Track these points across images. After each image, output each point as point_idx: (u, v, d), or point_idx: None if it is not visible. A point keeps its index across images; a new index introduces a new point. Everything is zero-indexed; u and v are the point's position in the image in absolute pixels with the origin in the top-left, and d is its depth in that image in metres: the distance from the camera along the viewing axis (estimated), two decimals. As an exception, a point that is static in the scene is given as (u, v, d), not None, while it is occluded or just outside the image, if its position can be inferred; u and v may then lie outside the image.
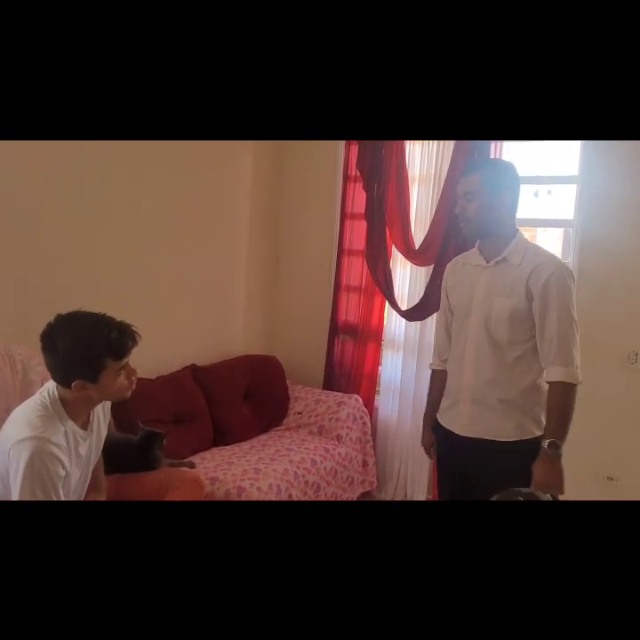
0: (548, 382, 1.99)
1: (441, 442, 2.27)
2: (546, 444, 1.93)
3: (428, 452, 2.37)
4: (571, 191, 3.24)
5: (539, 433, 2.01)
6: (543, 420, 2.02)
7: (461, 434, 2.11)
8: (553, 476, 1.92)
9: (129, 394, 1.88)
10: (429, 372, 3.49)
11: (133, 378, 1.86)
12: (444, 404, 2.24)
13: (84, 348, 1.72)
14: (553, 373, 1.96)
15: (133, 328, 1.81)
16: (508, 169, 2.07)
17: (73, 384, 1.75)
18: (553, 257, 2.05)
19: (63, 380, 1.77)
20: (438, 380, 2.34)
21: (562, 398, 1.95)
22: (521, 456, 1.97)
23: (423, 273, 3.58)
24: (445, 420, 2.21)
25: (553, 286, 1.95)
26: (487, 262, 2.08)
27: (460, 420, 2.13)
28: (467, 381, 2.10)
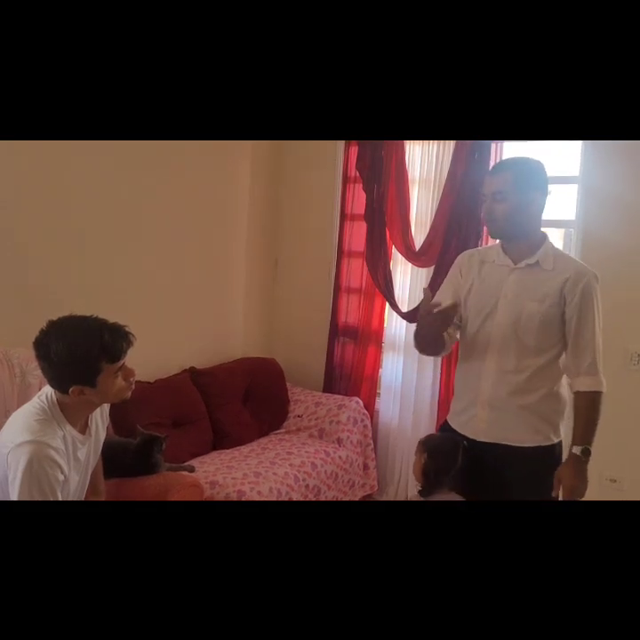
0: (577, 391, 1.98)
1: None
2: (578, 450, 1.93)
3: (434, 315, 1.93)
4: (571, 191, 3.22)
5: (556, 439, 2.02)
6: (560, 426, 2.02)
7: (477, 439, 2.07)
8: (581, 481, 1.94)
9: (129, 395, 1.87)
10: (430, 374, 3.53)
11: (131, 379, 1.85)
12: (455, 407, 2.19)
13: (77, 354, 1.70)
14: (584, 383, 1.96)
15: (127, 329, 1.79)
16: (539, 168, 2.00)
17: (70, 390, 1.74)
18: (584, 265, 2.02)
19: (60, 386, 1.76)
20: None
21: (593, 407, 1.96)
22: (537, 462, 1.97)
23: (424, 274, 3.57)
24: (458, 423, 2.15)
25: (590, 296, 1.94)
26: (514, 264, 2.03)
27: (475, 425, 2.08)
28: (486, 385, 2.05)
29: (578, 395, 1.98)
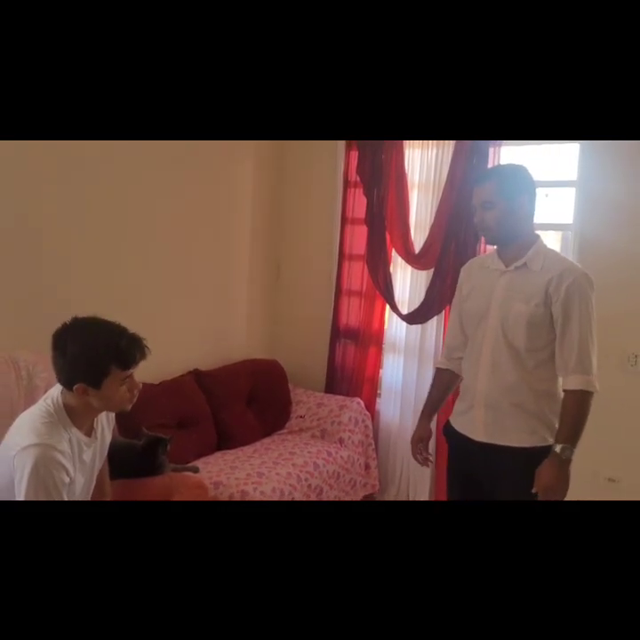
0: (565, 389, 1.98)
1: (454, 447, 2.24)
2: (558, 448, 1.92)
3: (414, 446, 2.35)
4: (569, 195, 3.25)
5: (552, 440, 2.00)
6: (557, 427, 2.01)
7: (476, 439, 2.10)
8: (560, 481, 1.93)
9: (129, 407, 1.88)
10: (430, 375, 3.53)
11: (136, 391, 1.86)
12: (458, 407, 2.22)
13: (91, 352, 1.73)
14: (572, 382, 1.96)
15: (145, 342, 1.82)
16: (522, 173, 2.05)
17: (75, 387, 1.76)
18: (573, 264, 2.04)
19: (67, 381, 1.77)
20: (440, 379, 2.34)
21: (578, 406, 1.95)
22: (534, 463, 1.97)
23: (423, 277, 3.60)
24: (459, 424, 2.19)
25: (575, 294, 1.94)
26: (506, 267, 2.07)
27: (474, 425, 2.10)
28: (481, 386, 2.08)
29: (565, 393, 1.98)
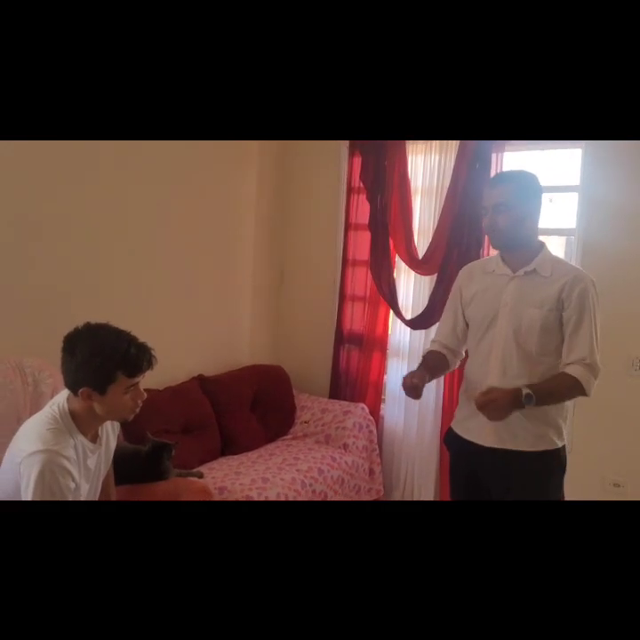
0: (564, 371, 1.97)
1: (458, 453, 2.23)
2: (526, 390, 1.90)
3: (409, 383, 2.11)
4: (572, 200, 3.25)
5: (560, 443, 2.02)
6: (564, 429, 2.03)
7: (484, 445, 2.08)
8: (500, 408, 1.91)
9: (131, 417, 1.89)
10: (434, 380, 3.52)
11: (139, 401, 1.87)
12: (461, 413, 2.20)
13: (99, 357, 1.75)
14: (575, 369, 1.96)
15: (153, 352, 1.85)
16: (535, 180, 2.07)
17: (80, 391, 1.77)
18: (580, 270, 2.07)
19: (73, 385, 1.79)
20: (432, 355, 2.26)
21: (567, 387, 1.96)
22: (542, 466, 1.97)
23: (427, 282, 3.60)
24: (464, 430, 2.17)
25: (586, 299, 1.97)
26: (513, 272, 2.07)
27: (481, 430, 2.08)
28: None
29: (564, 371, 1.97)
